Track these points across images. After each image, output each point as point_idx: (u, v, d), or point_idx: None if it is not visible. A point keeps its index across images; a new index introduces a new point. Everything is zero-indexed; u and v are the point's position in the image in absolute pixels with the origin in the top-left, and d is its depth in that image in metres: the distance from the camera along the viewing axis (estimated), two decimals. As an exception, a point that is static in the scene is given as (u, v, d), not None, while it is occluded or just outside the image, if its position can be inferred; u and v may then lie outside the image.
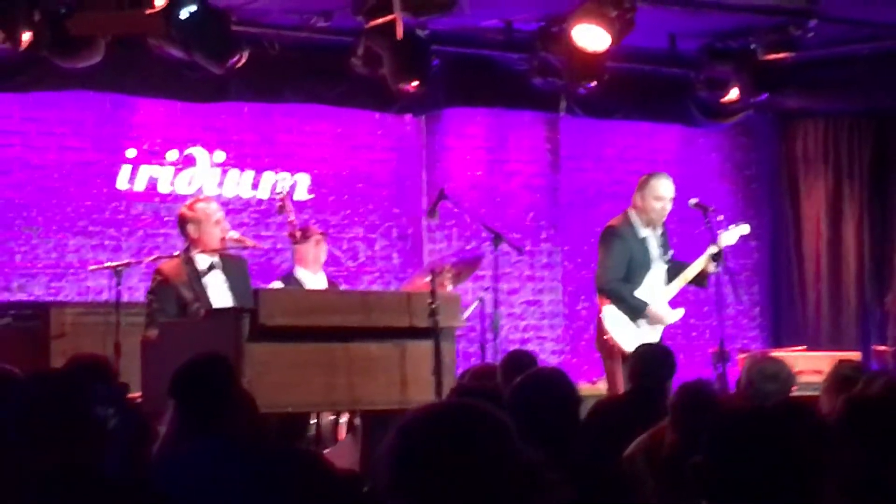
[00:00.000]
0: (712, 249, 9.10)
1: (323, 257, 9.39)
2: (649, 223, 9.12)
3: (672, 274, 9.21)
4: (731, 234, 9.30)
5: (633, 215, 9.13)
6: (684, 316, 9.40)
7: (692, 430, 5.34)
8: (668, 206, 9.16)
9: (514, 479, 2.67)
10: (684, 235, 10.83)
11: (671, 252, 9.31)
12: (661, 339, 9.12)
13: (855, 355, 10.45)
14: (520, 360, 6.66)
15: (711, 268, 9.12)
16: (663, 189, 9.12)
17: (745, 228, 9.44)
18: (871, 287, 13.06)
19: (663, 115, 12.44)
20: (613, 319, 8.91)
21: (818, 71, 12.00)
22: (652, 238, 9.14)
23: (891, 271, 12.98)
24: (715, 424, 3.36)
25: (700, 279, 9.25)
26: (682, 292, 9.43)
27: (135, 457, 4.72)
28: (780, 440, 3.20)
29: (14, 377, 5.34)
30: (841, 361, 6.71)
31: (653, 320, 8.97)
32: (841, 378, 6.36)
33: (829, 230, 13.16)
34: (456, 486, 2.61)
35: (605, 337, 8.89)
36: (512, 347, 11.49)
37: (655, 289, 9.06)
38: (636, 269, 9.01)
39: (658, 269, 9.11)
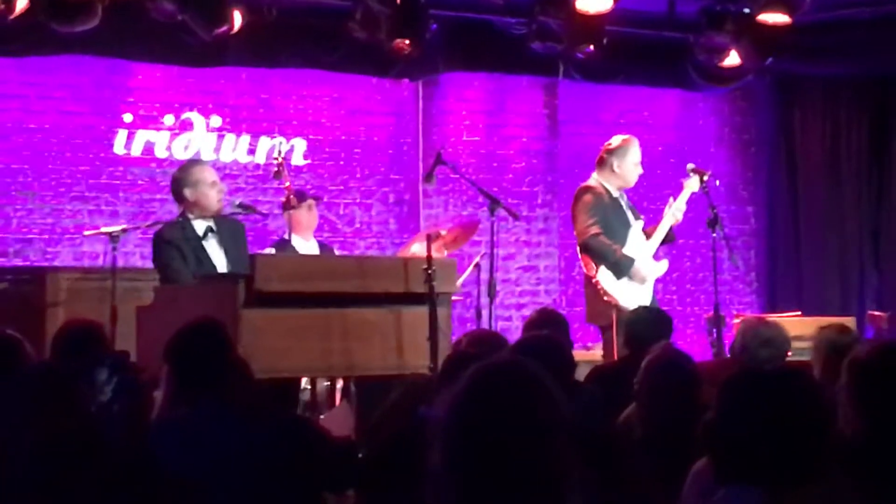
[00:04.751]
0: (682, 197, 9.09)
1: (314, 223, 9.40)
2: (621, 188, 9.11)
3: (648, 233, 9.20)
4: (693, 182, 9.23)
5: (603, 179, 9.10)
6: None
7: (662, 408, 5.38)
8: (641, 169, 9.20)
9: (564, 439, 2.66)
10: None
11: (642, 216, 9.32)
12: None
13: (849, 320, 10.48)
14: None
15: (680, 214, 9.10)
16: (639, 153, 9.14)
17: (708, 173, 9.36)
18: (867, 252, 13.08)
19: (662, 79, 12.42)
20: (610, 278, 8.88)
21: (817, 35, 11.97)
22: (622, 198, 9.14)
23: (887, 236, 13.00)
24: (728, 384, 3.37)
25: (669, 235, 9.23)
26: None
27: (133, 423, 4.74)
28: (793, 404, 3.23)
29: (17, 343, 5.34)
30: (824, 327, 6.71)
31: (638, 279, 8.94)
32: (827, 343, 6.38)
33: (827, 195, 13.16)
34: (507, 447, 2.60)
35: (605, 298, 8.83)
36: (508, 313, 11.56)
37: (638, 245, 9.03)
38: (616, 227, 8.98)
39: (636, 225, 9.09)
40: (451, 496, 2.60)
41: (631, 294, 8.81)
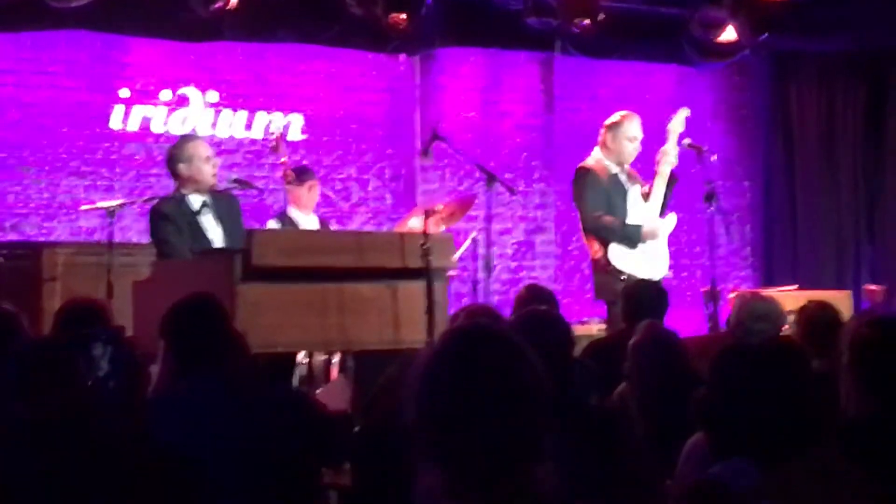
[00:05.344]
0: (670, 141, 9.04)
1: (313, 202, 9.41)
2: (619, 164, 9.08)
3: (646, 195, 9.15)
4: (678, 122, 9.18)
5: (602, 156, 9.08)
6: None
7: (652, 387, 5.41)
8: (639, 147, 9.14)
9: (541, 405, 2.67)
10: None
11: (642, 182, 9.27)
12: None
13: (844, 294, 10.51)
14: None
15: (673, 157, 9.04)
16: (636, 129, 9.09)
17: (685, 111, 9.31)
18: (863, 226, 13.11)
19: (658, 54, 12.41)
20: (621, 256, 8.85)
21: (813, 10, 11.95)
22: (622, 174, 9.11)
23: (883, 211, 13.02)
24: (717, 360, 3.38)
25: (672, 179, 9.17)
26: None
27: (130, 399, 4.75)
28: (781, 379, 3.23)
29: (13, 318, 5.36)
30: (809, 302, 6.73)
31: (652, 236, 8.90)
32: (808, 319, 6.39)
33: (823, 170, 13.18)
34: (475, 408, 2.61)
35: (622, 278, 8.76)
36: (504, 288, 11.58)
37: (639, 209, 9.00)
38: (616, 202, 8.97)
39: (634, 192, 9.06)
40: (424, 452, 2.62)
41: (646, 265, 8.78)
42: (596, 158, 9.09)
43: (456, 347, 2.66)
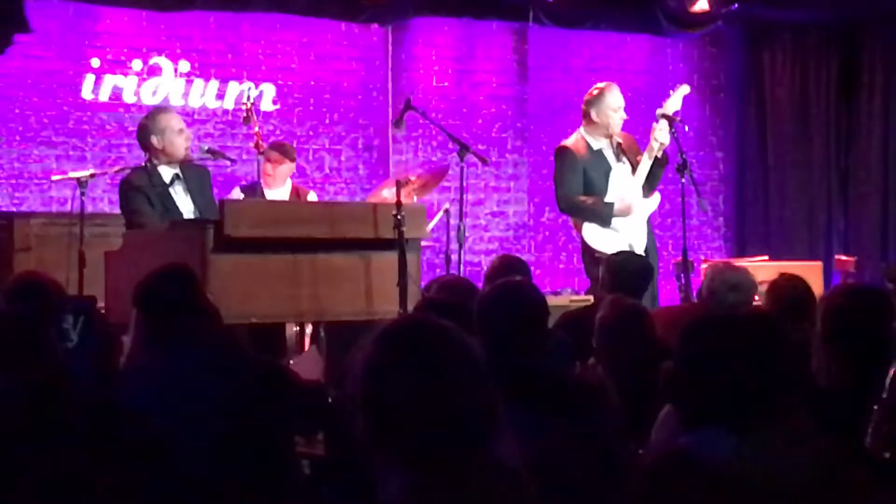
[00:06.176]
0: (662, 123, 8.98)
1: (278, 180, 9.36)
2: (606, 136, 9.05)
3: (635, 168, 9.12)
4: (675, 100, 9.15)
5: (587, 132, 9.04)
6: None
7: (621, 363, 5.44)
8: (624, 115, 9.09)
9: (477, 405, 2.71)
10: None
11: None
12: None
13: (816, 264, 10.54)
14: None
15: (663, 137, 8.97)
16: (618, 99, 9.05)
17: (685, 88, 9.30)
18: (835, 197, 13.15)
19: (631, 25, 12.41)
20: (596, 235, 8.85)
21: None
22: (608, 148, 9.08)
23: (856, 182, 13.07)
24: (686, 330, 3.39)
25: (663, 159, 9.13)
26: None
27: (101, 369, 4.73)
28: (751, 347, 3.24)
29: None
30: (780, 275, 6.75)
31: (625, 213, 8.88)
32: (777, 291, 6.41)
33: (796, 140, 13.20)
34: (421, 403, 2.65)
35: (595, 256, 8.75)
36: (477, 259, 11.58)
37: (623, 185, 8.99)
38: (596, 177, 8.94)
39: (620, 168, 9.04)
40: (384, 458, 2.69)
41: (621, 244, 8.74)
42: (576, 137, 9.06)
43: (389, 355, 2.73)
